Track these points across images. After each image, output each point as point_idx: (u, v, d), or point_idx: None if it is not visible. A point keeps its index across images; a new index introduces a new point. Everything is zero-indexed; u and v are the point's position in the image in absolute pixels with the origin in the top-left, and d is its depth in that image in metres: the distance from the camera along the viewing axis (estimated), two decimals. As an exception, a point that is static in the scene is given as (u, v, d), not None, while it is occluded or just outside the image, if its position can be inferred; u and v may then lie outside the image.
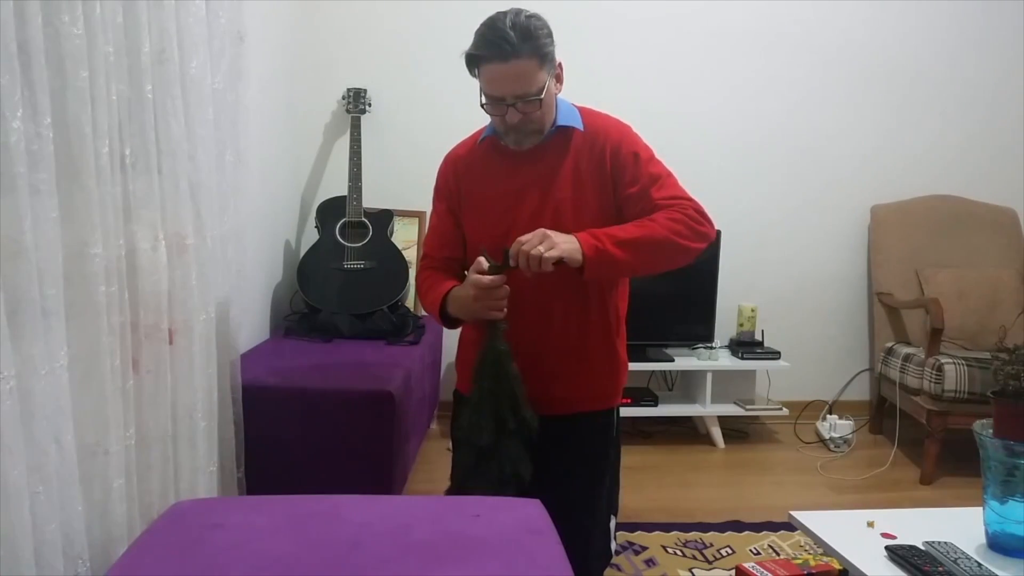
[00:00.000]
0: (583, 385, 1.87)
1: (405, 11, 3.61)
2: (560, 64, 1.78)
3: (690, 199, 1.76)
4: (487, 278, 1.69)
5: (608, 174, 1.80)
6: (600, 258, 1.66)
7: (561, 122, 1.81)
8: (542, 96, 1.71)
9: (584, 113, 1.86)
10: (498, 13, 1.69)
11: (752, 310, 3.76)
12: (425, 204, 3.46)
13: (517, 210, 1.82)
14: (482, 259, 1.71)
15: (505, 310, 1.72)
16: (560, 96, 1.85)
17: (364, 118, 3.48)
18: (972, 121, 3.91)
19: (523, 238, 1.65)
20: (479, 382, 1.74)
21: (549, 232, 1.64)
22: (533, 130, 1.77)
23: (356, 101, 3.48)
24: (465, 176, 1.90)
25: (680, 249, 1.70)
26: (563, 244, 1.63)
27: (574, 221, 1.77)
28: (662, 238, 1.68)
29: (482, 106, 1.76)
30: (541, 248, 1.61)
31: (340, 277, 3.24)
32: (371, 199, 3.45)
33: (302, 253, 3.36)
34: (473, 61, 1.70)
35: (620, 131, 1.84)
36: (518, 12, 1.68)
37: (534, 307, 1.80)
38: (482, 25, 1.70)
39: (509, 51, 1.65)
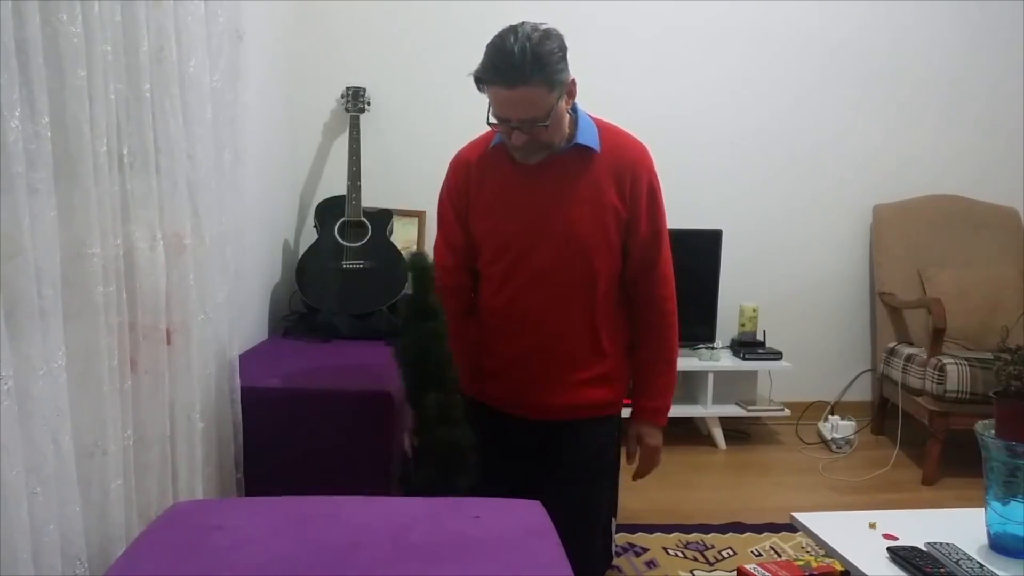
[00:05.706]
0: (577, 394, 1.86)
1: (405, 11, 3.60)
2: (573, 80, 1.71)
3: (671, 288, 1.91)
4: None
5: (627, 198, 1.80)
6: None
7: (579, 140, 1.78)
8: (548, 122, 1.67)
9: (603, 129, 1.83)
10: (508, 30, 1.61)
11: (754, 310, 3.75)
12: (425, 203, 3.49)
13: (530, 221, 1.80)
14: None
15: None
16: (581, 108, 1.82)
17: (363, 117, 3.47)
18: (974, 120, 3.90)
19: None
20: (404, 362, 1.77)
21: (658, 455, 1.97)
22: (540, 147, 1.75)
23: (355, 100, 3.47)
24: (476, 180, 1.87)
25: None
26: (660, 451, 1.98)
27: (590, 238, 1.78)
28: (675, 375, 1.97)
29: (489, 124, 1.72)
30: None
31: (339, 277, 3.23)
32: (370, 198, 3.43)
33: (301, 253, 3.35)
34: (479, 82, 1.66)
35: (639, 155, 1.83)
36: (530, 32, 1.60)
37: (527, 321, 1.83)
38: (491, 44, 1.63)
39: (516, 78, 1.59)
